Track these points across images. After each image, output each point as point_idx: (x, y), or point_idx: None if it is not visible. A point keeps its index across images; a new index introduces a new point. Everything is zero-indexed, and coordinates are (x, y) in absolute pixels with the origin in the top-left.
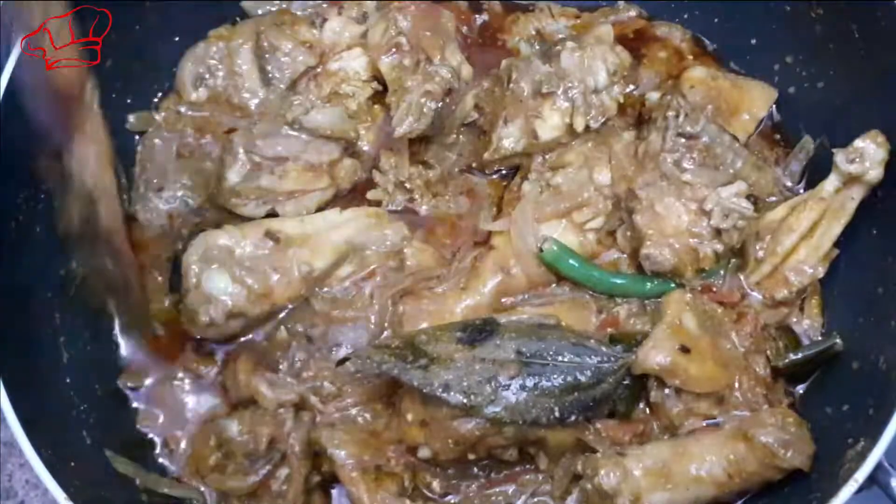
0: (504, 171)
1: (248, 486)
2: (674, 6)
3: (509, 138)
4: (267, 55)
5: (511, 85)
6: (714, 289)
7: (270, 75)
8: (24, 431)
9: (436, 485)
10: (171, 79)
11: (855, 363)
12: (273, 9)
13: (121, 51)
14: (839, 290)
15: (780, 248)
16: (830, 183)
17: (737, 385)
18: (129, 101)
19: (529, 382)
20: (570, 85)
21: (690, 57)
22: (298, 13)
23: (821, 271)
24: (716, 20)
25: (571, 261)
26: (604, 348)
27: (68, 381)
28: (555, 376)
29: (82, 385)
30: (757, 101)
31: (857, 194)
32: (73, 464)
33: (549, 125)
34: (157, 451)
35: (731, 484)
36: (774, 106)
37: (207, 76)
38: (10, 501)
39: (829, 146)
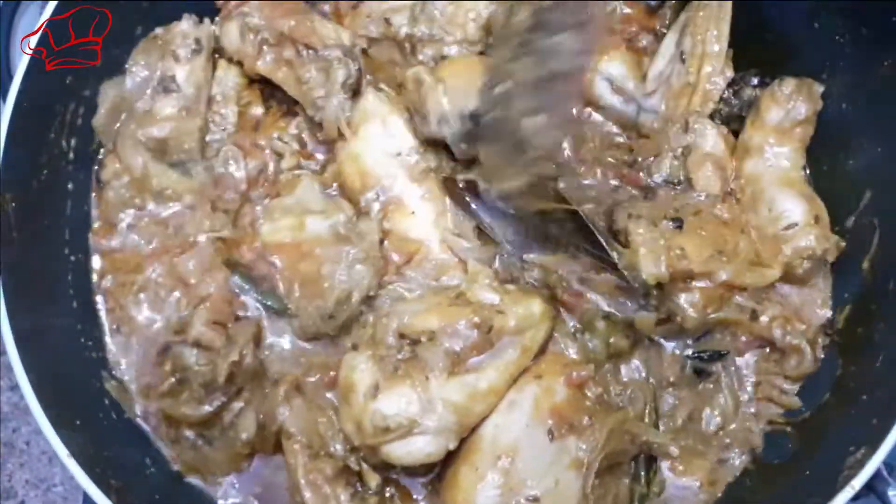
0: None
1: (200, 415)
2: None
3: None
4: (163, 153)
5: None
6: None
7: (183, 162)
8: (32, 389)
9: (373, 482)
10: None
11: (865, 371)
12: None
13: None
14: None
15: (696, 51)
16: None
17: None
18: None
19: None
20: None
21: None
22: (142, 104)
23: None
24: None
25: None
26: None
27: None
28: None
29: (93, 347)
30: None
31: None
32: (78, 422)
33: None
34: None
35: None
36: None
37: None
38: (10, 501)
39: None
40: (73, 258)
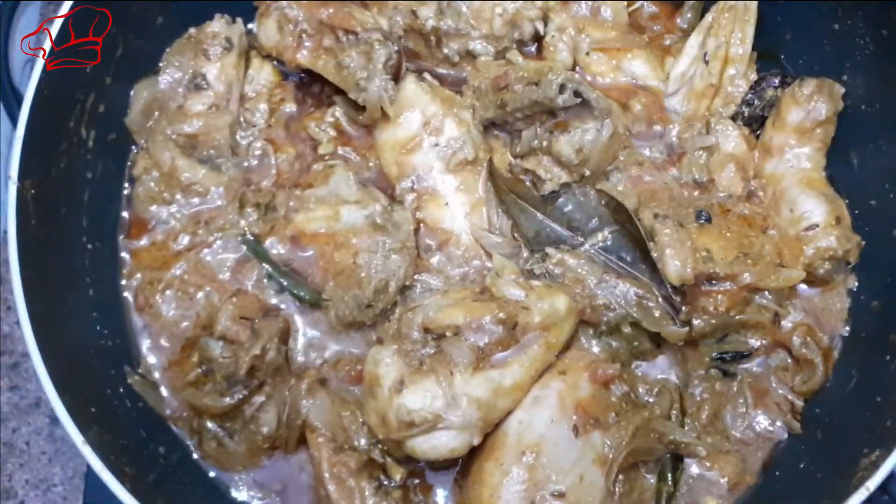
0: None
1: (221, 406)
2: None
3: None
4: (193, 148)
5: None
6: None
7: (212, 158)
8: (48, 375)
9: (397, 475)
10: None
11: (879, 373)
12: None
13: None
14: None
15: (720, 52)
16: None
17: None
18: None
19: None
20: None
21: None
22: (174, 102)
23: (752, 75)
24: None
25: None
26: None
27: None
28: None
29: (110, 336)
30: None
31: None
32: (93, 409)
33: None
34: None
35: None
36: None
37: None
38: (10, 501)
39: None
40: (90, 246)
